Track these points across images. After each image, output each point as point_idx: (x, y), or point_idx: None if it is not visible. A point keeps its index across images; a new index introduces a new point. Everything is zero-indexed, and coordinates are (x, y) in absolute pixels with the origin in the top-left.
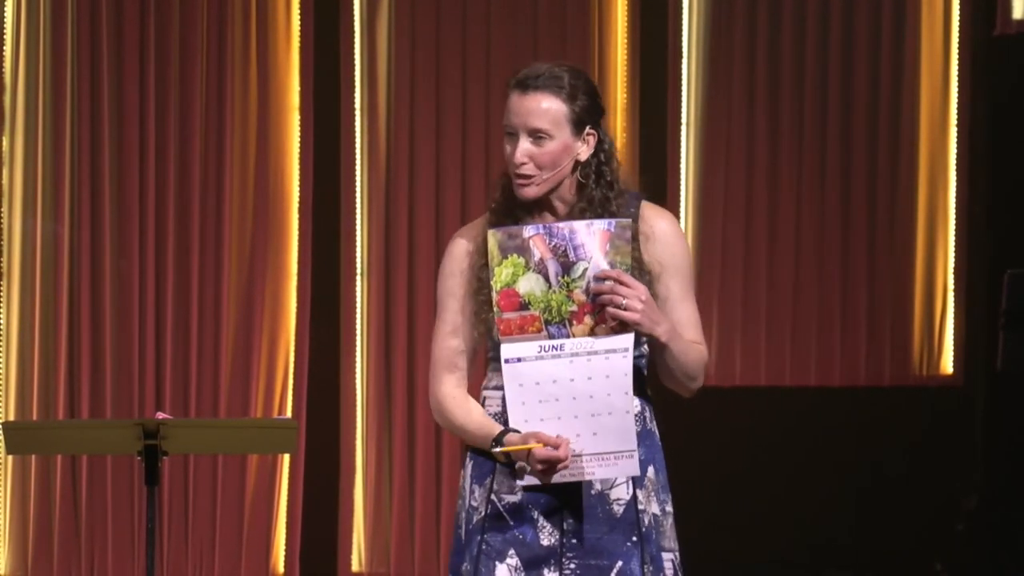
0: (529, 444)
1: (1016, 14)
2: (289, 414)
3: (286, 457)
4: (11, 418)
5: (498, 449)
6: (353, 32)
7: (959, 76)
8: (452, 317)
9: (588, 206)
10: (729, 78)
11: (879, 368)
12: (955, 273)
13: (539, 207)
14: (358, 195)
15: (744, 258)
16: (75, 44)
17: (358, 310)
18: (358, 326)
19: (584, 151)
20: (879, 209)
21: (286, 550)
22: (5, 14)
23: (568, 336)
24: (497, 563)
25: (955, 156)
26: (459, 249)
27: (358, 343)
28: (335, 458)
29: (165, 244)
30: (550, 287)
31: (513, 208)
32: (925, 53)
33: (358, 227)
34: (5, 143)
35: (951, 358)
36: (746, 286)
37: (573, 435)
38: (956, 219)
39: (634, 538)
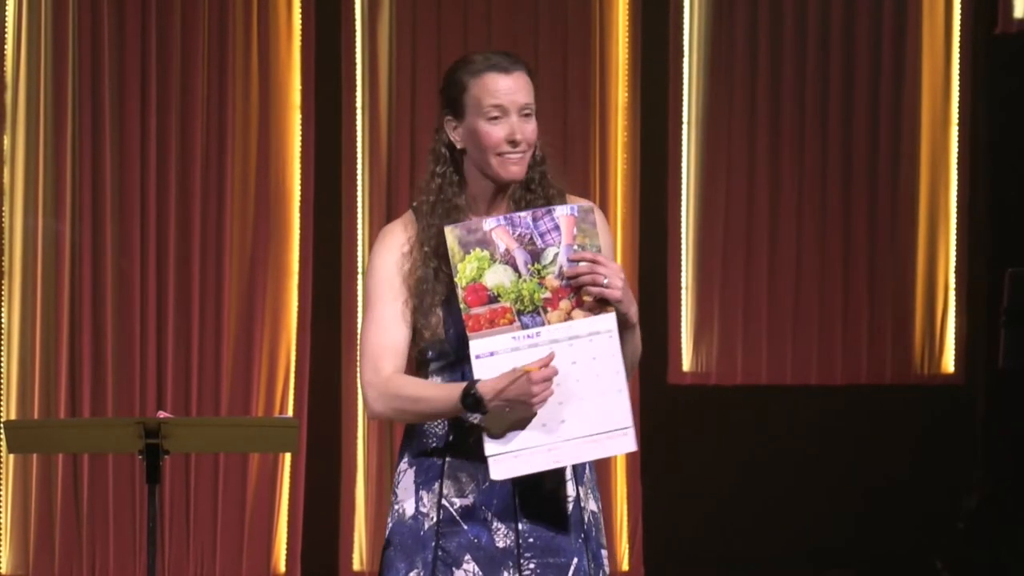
0: (519, 372)
1: (1017, 13)
2: (290, 413)
3: (287, 456)
4: (12, 417)
5: (479, 390)
6: (354, 31)
7: (960, 75)
8: (392, 307)
9: (527, 182)
10: (730, 77)
11: (880, 367)
12: (956, 271)
13: (486, 188)
14: (359, 194)
15: (745, 256)
16: (76, 43)
17: (359, 309)
18: (359, 325)
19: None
20: (880, 207)
21: (287, 549)
22: (6, 13)
23: (543, 323)
24: (454, 569)
25: (956, 154)
26: (394, 240)
27: (359, 342)
28: (336, 457)
29: (166, 243)
30: (519, 276)
31: (454, 196)
32: (926, 51)
33: (359, 226)
34: (6, 141)
35: (952, 357)
36: (747, 284)
37: (558, 422)
38: (957, 217)
39: (581, 536)
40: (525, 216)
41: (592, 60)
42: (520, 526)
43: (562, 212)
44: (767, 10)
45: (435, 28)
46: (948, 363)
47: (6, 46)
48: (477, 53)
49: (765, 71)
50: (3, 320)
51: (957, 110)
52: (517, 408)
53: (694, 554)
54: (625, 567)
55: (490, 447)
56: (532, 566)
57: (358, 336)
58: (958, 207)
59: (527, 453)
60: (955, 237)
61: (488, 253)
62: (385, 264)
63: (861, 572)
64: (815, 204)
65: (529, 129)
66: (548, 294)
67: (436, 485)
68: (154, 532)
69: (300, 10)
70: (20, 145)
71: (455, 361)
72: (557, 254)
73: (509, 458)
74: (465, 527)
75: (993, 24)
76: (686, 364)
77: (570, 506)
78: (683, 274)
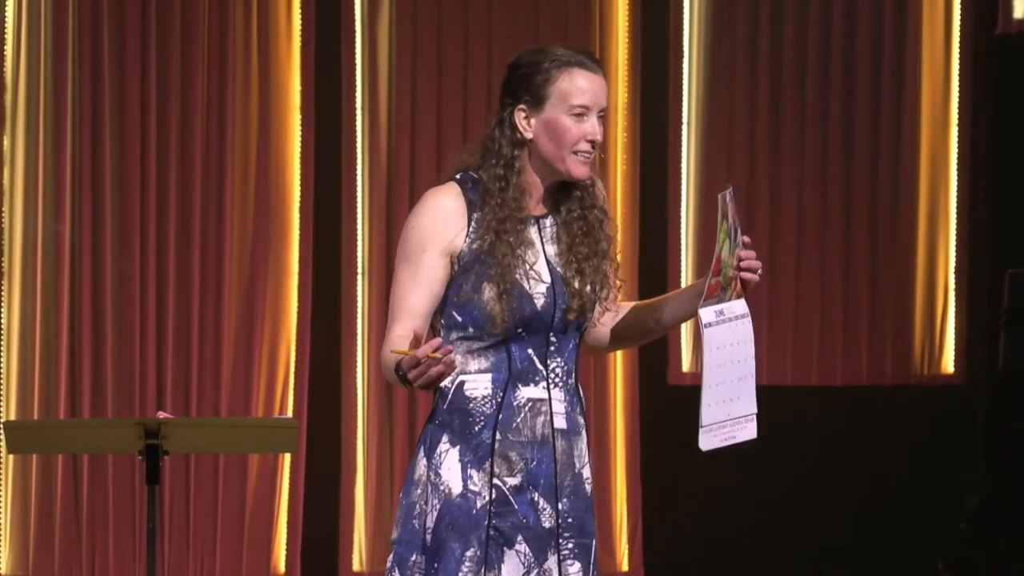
0: (411, 350)
1: (1017, 13)
2: (290, 413)
3: (287, 456)
4: (12, 417)
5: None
6: (354, 31)
7: (960, 75)
8: (424, 270)
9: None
10: (730, 78)
11: (881, 367)
12: (956, 272)
13: (531, 186)
14: (359, 194)
15: None
16: (76, 43)
17: (359, 309)
18: (359, 325)
19: None
20: (880, 208)
21: (287, 549)
22: (6, 13)
23: (728, 300)
24: (506, 549)
25: (956, 155)
26: (448, 209)
27: (359, 342)
28: (336, 457)
29: (166, 243)
30: (731, 252)
31: (521, 181)
32: (926, 52)
33: (359, 226)
34: (6, 142)
35: (952, 357)
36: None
37: (735, 398)
38: (957, 218)
39: (595, 517)
40: (732, 192)
41: None
42: (560, 506)
43: (730, 194)
44: (767, 10)
45: (435, 28)
46: (948, 364)
47: (6, 47)
48: (557, 46)
49: (765, 71)
50: (3, 320)
51: (957, 110)
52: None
53: (694, 554)
54: (625, 567)
55: (706, 416)
56: (571, 546)
57: (358, 336)
58: (958, 207)
59: (718, 427)
60: (955, 238)
61: (727, 225)
62: (431, 227)
63: (862, 573)
64: (815, 204)
65: (601, 129)
66: (732, 272)
67: (487, 464)
68: (154, 532)
69: (300, 10)
70: (20, 146)
71: (499, 343)
72: (738, 234)
73: (714, 429)
74: (516, 507)
75: (993, 24)
76: (686, 365)
77: (589, 488)
78: (683, 274)
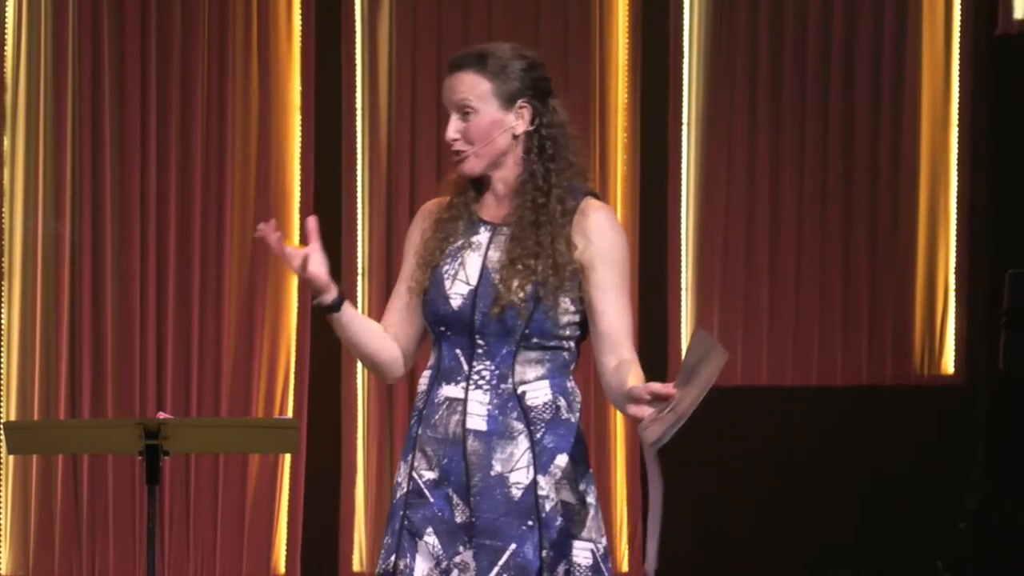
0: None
1: (1017, 14)
2: (290, 414)
3: (287, 457)
4: (12, 418)
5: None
6: (354, 31)
7: (960, 75)
8: (403, 278)
9: (530, 178)
10: (730, 78)
11: (881, 368)
12: (956, 272)
13: (485, 183)
14: (359, 195)
15: (745, 257)
16: (76, 43)
17: (359, 309)
18: None
19: (520, 125)
20: (881, 208)
21: (287, 549)
22: (6, 14)
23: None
24: (417, 540)
25: (956, 155)
26: (416, 224)
27: None
28: (336, 458)
29: (166, 243)
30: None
31: (467, 184)
32: (926, 52)
33: (359, 227)
34: (6, 142)
35: (952, 358)
36: (747, 285)
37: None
38: (957, 218)
39: (530, 523)
40: None
41: (592, 61)
42: (472, 503)
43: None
44: (767, 11)
45: (435, 28)
46: (948, 364)
47: (6, 47)
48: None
49: (765, 72)
50: (3, 321)
51: (957, 111)
52: None
53: (694, 555)
54: (625, 568)
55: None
56: (473, 544)
57: None
58: (958, 208)
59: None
60: (955, 238)
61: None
62: (410, 233)
63: (862, 572)
64: (815, 205)
65: (465, 127)
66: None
67: (410, 457)
68: (154, 533)
69: (300, 10)
70: (20, 146)
71: (435, 341)
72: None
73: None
74: (431, 500)
75: (993, 25)
76: None
77: (519, 492)
78: (683, 275)
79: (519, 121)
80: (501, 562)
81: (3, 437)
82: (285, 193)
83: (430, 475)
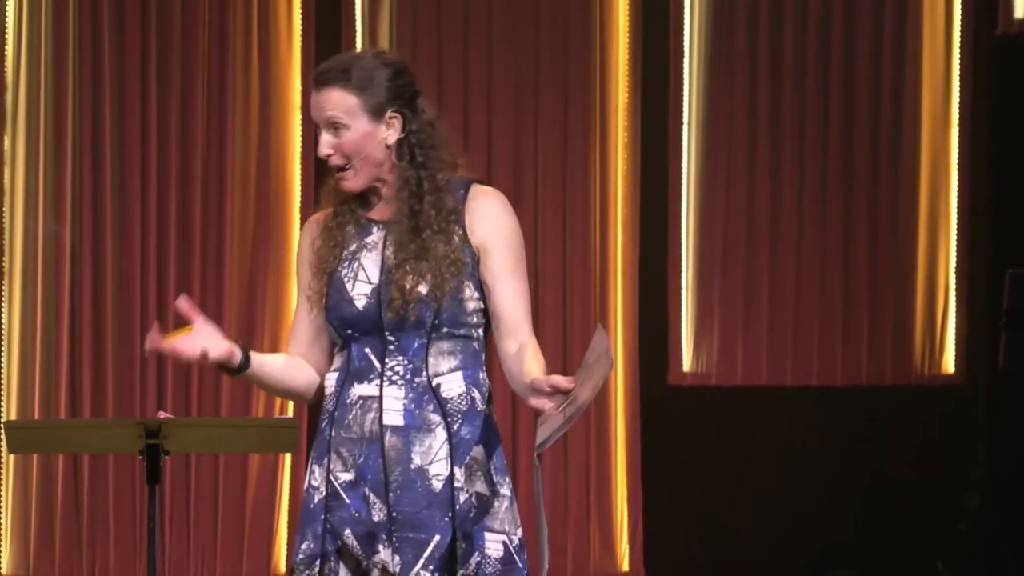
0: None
1: (1018, 13)
2: (290, 413)
3: (287, 456)
4: (13, 417)
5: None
6: (355, 32)
7: (961, 75)
8: (301, 299)
9: (404, 185)
10: (731, 77)
11: (881, 368)
12: (957, 272)
13: (368, 192)
14: None
15: (746, 257)
16: (76, 43)
17: None
18: None
19: (391, 135)
20: (881, 208)
21: (287, 549)
22: (7, 13)
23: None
24: (338, 541)
25: (957, 155)
26: (304, 239)
27: None
28: None
29: (167, 243)
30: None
31: (345, 193)
32: (927, 52)
33: None
34: (7, 143)
35: (953, 358)
36: (748, 285)
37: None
38: (958, 218)
39: (449, 515)
40: None
41: (593, 60)
42: (390, 499)
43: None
44: (767, 11)
45: (435, 28)
46: (949, 364)
47: (6, 47)
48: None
49: (765, 71)
50: (4, 321)
51: (958, 110)
52: None
53: (694, 555)
54: (625, 567)
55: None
56: (394, 539)
57: None
58: (959, 207)
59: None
60: (955, 238)
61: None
62: (298, 261)
63: (862, 573)
64: (816, 204)
65: (339, 143)
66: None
67: (325, 460)
68: (154, 532)
69: (300, 10)
70: (20, 146)
71: (343, 344)
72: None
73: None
74: (348, 501)
75: (994, 25)
76: (686, 365)
77: (439, 484)
78: (683, 274)
79: (390, 131)
80: (426, 554)
81: (4, 436)
82: (285, 193)
83: (346, 476)
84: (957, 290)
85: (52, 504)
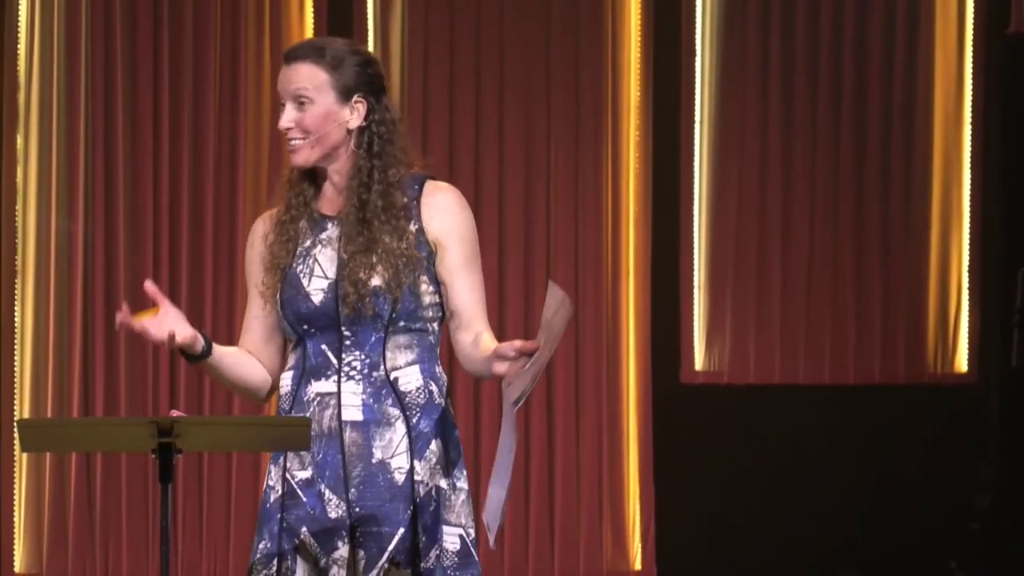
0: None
1: None
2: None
3: None
4: (26, 415)
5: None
6: (366, 32)
7: (973, 74)
8: (252, 298)
9: (356, 174)
10: (743, 76)
11: (893, 366)
12: (970, 271)
13: (322, 176)
14: None
15: (758, 255)
16: (89, 42)
17: None
18: None
19: (354, 119)
20: (893, 207)
21: None
22: (19, 12)
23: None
24: (295, 539)
25: (969, 153)
26: (255, 234)
27: None
28: None
29: (179, 240)
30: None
31: (302, 179)
32: (939, 51)
33: None
34: (19, 141)
35: (966, 356)
36: (760, 284)
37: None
38: (970, 216)
39: (410, 508)
40: None
41: (605, 59)
42: (350, 495)
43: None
44: (779, 8)
45: (447, 28)
46: (961, 363)
47: (19, 45)
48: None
49: (777, 69)
50: (17, 319)
51: (970, 109)
52: None
53: (706, 553)
54: (637, 566)
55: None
56: (358, 534)
57: None
58: (971, 206)
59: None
60: (968, 236)
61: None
62: (248, 259)
63: (873, 572)
64: (828, 203)
65: (300, 117)
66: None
67: (281, 459)
68: (167, 531)
69: (312, 12)
70: (33, 144)
71: (298, 340)
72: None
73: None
74: (304, 499)
75: (1006, 23)
76: (698, 363)
77: (401, 478)
78: (695, 273)
79: (353, 115)
80: (391, 547)
81: (17, 435)
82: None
83: (303, 475)
84: (970, 289)
85: (65, 502)
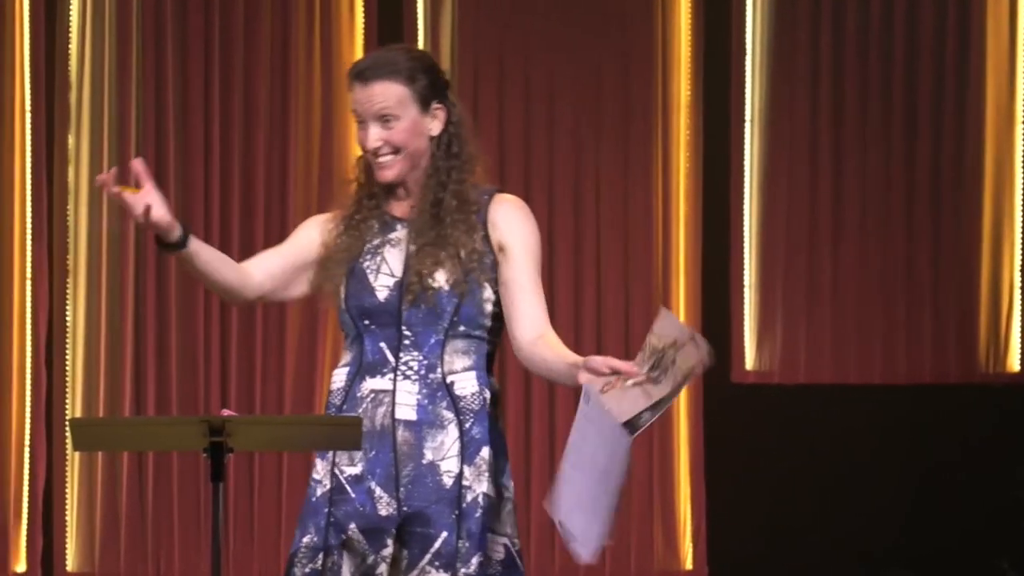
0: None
1: None
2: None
3: None
4: (78, 414)
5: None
6: (416, 31)
7: None
8: (289, 243)
9: (434, 173)
10: (793, 74)
11: (944, 365)
12: (1021, 270)
13: (394, 186)
14: None
15: (808, 255)
16: (140, 42)
17: None
18: None
19: (436, 126)
20: (944, 205)
21: None
22: (71, 12)
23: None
24: (342, 535)
25: (1021, 151)
26: (321, 217)
27: None
28: None
29: (230, 240)
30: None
31: (370, 180)
32: (990, 49)
33: None
34: (71, 141)
35: (1018, 355)
36: (810, 283)
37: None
38: (1022, 215)
39: (455, 513)
40: None
41: (655, 58)
42: (400, 494)
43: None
44: (829, 7)
45: (497, 28)
46: (1013, 362)
47: (70, 45)
48: (367, 55)
49: (827, 68)
50: (69, 318)
51: (1022, 106)
52: None
53: (757, 553)
54: (688, 566)
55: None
56: (406, 535)
57: None
58: (1023, 204)
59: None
60: (1020, 234)
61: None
62: (312, 222)
63: (924, 572)
64: (878, 201)
65: (389, 135)
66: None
67: (329, 454)
68: (218, 530)
69: (363, 10)
70: (84, 144)
71: (356, 336)
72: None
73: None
74: (353, 495)
75: None
76: (749, 363)
77: (450, 481)
78: (746, 272)
79: (435, 122)
80: (432, 550)
81: (69, 434)
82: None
83: (352, 470)
84: (1022, 288)
85: (117, 502)
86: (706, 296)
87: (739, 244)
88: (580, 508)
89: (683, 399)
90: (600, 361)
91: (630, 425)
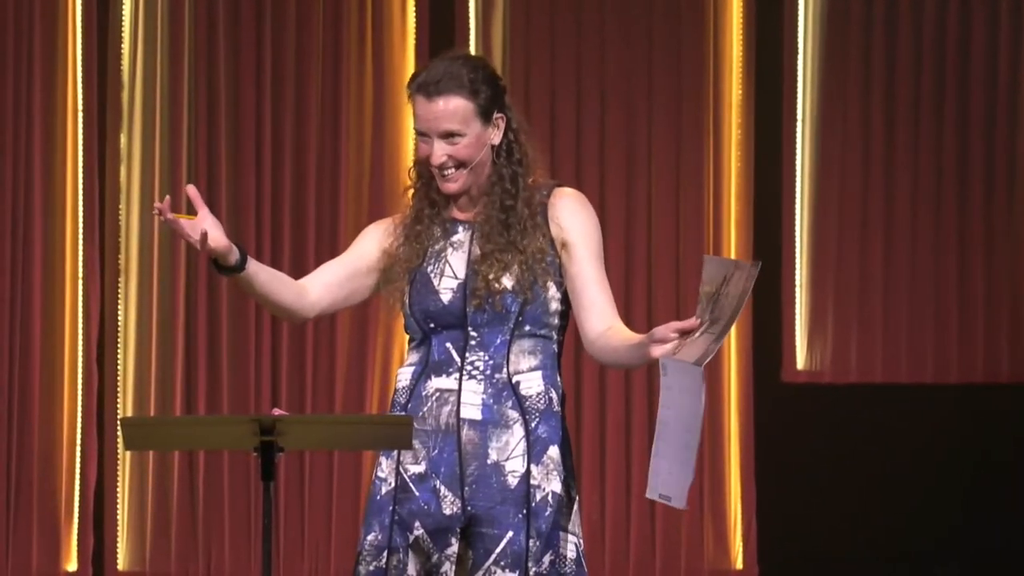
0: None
1: None
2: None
3: None
4: (129, 414)
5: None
6: (468, 32)
7: None
8: (351, 251)
9: (499, 180)
10: (845, 74)
11: (996, 364)
12: None
13: (466, 196)
14: None
15: (859, 253)
16: (192, 42)
17: None
18: None
19: (496, 135)
20: (996, 204)
21: None
22: (123, 12)
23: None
24: (408, 534)
25: None
26: (384, 222)
27: None
28: None
29: (281, 241)
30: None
31: (430, 186)
32: None
33: None
34: (123, 140)
35: None
36: (861, 282)
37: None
38: None
39: (524, 511)
40: None
41: (706, 57)
42: (465, 493)
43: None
44: (882, 7)
45: (548, 28)
46: None
47: (123, 45)
48: (427, 66)
49: (880, 67)
50: (120, 318)
51: None
52: None
53: (808, 552)
54: (739, 565)
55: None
56: (469, 534)
57: None
58: None
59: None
60: None
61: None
62: (378, 228)
63: (976, 571)
64: (930, 200)
65: (454, 150)
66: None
67: (394, 452)
68: (269, 529)
69: (414, 12)
70: (136, 144)
71: (423, 338)
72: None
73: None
74: (417, 494)
75: None
76: (800, 362)
77: (515, 481)
78: (797, 271)
79: (496, 132)
80: (498, 550)
81: (121, 433)
82: (400, 192)
83: (416, 469)
84: None
85: (168, 500)
86: (757, 295)
87: (790, 243)
88: (671, 474)
89: (734, 398)
90: (664, 329)
91: (699, 361)
